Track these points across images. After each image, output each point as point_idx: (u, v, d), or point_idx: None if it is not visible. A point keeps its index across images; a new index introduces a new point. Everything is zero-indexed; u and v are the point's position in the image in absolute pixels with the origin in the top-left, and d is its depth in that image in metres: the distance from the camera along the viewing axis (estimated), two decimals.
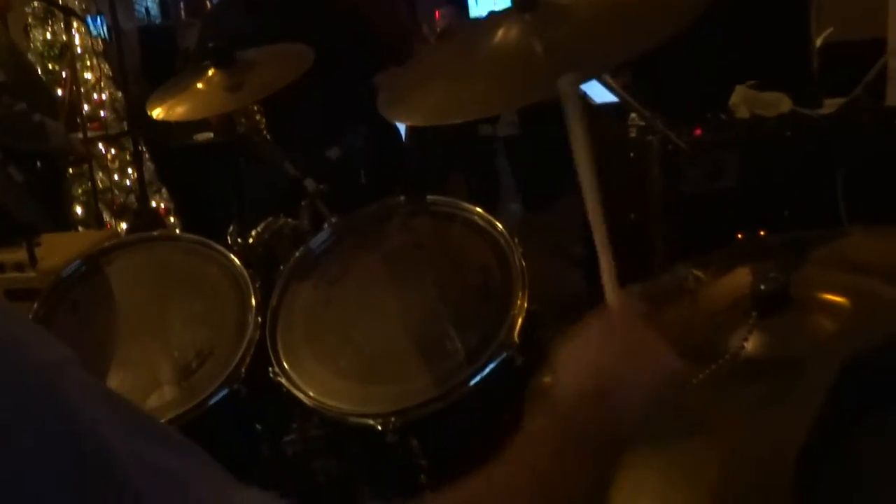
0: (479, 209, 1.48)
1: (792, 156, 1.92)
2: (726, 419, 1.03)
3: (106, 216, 3.64)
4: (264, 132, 1.60)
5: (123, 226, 3.63)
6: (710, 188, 2.01)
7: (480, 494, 0.65)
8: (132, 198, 3.70)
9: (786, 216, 1.96)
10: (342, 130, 1.56)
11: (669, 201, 2.01)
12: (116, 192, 3.73)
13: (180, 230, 3.48)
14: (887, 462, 0.80)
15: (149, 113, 1.54)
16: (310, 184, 1.49)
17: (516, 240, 1.44)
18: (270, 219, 1.63)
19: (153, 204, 3.81)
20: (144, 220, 3.37)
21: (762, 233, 1.88)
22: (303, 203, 1.50)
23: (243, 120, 1.59)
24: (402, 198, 1.54)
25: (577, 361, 0.80)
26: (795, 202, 1.91)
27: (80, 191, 3.33)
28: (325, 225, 1.58)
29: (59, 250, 2.13)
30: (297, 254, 1.48)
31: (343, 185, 1.53)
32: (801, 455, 0.90)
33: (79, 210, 3.32)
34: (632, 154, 1.79)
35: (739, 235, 2.02)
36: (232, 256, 1.51)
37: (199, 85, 1.55)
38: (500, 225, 1.46)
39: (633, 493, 0.96)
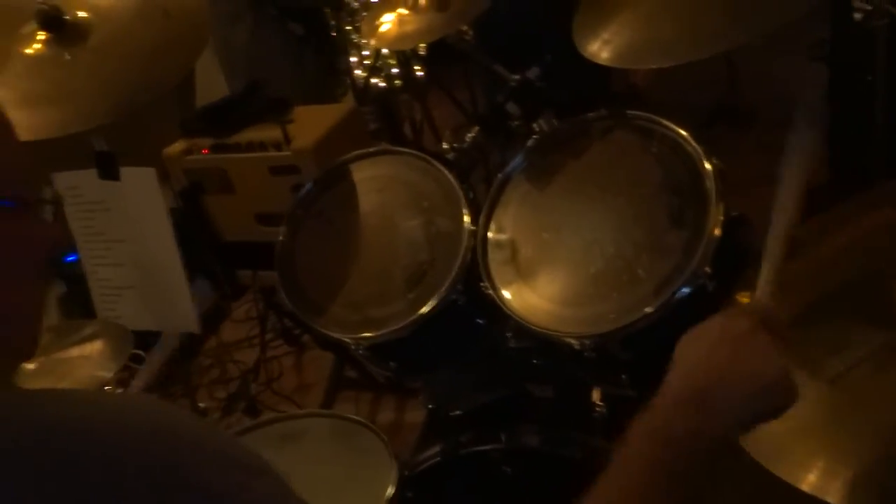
0: (680, 129, 1.48)
1: None
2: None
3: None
4: (469, 40, 1.66)
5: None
6: None
7: None
8: None
9: None
10: (542, 49, 1.59)
11: None
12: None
13: None
14: None
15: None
16: (511, 108, 1.56)
17: (714, 160, 1.44)
18: None
19: None
20: None
21: None
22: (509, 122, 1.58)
23: None
24: (604, 111, 1.57)
25: (689, 358, 0.87)
26: None
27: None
28: (536, 125, 1.65)
29: (308, 127, 2.37)
30: (499, 177, 1.58)
31: (543, 104, 1.58)
32: None
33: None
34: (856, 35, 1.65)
35: None
36: (448, 174, 1.65)
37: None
38: (696, 144, 1.46)
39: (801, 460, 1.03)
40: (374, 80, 3.20)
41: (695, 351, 0.87)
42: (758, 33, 1.39)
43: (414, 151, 1.74)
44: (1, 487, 0.58)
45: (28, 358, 0.80)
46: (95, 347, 1.71)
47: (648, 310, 1.38)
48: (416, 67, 3.33)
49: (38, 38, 1.58)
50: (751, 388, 0.83)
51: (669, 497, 0.80)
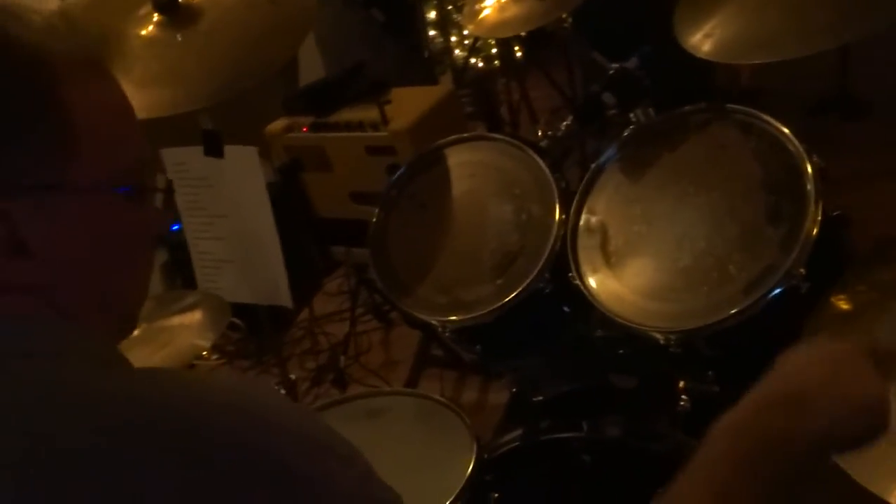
0: (782, 126, 1.44)
1: None
2: None
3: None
4: (568, 27, 1.66)
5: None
6: None
7: None
8: None
9: None
10: (643, 40, 1.57)
11: None
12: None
13: None
14: None
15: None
16: (608, 97, 1.55)
17: (815, 159, 1.41)
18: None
19: None
20: None
21: None
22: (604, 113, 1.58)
23: None
24: (702, 104, 1.54)
25: (788, 366, 0.85)
26: None
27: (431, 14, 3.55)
28: (633, 116, 1.64)
29: (405, 108, 2.41)
30: (592, 167, 1.58)
31: (641, 95, 1.56)
32: None
33: (431, 32, 3.55)
34: None
35: None
36: (541, 162, 1.65)
37: None
38: (797, 141, 1.42)
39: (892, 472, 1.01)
40: (473, 61, 3.20)
41: (796, 361, 0.86)
42: (873, 28, 1.34)
43: (508, 138, 1.75)
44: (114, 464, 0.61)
45: (132, 330, 0.85)
46: (195, 317, 1.79)
47: (737, 308, 1.36)
48: (515, 48, 3.34)
49: (153, 20, 1.66)
50: (847, 407, 0.80)
51: (752, 499, 0.78)
